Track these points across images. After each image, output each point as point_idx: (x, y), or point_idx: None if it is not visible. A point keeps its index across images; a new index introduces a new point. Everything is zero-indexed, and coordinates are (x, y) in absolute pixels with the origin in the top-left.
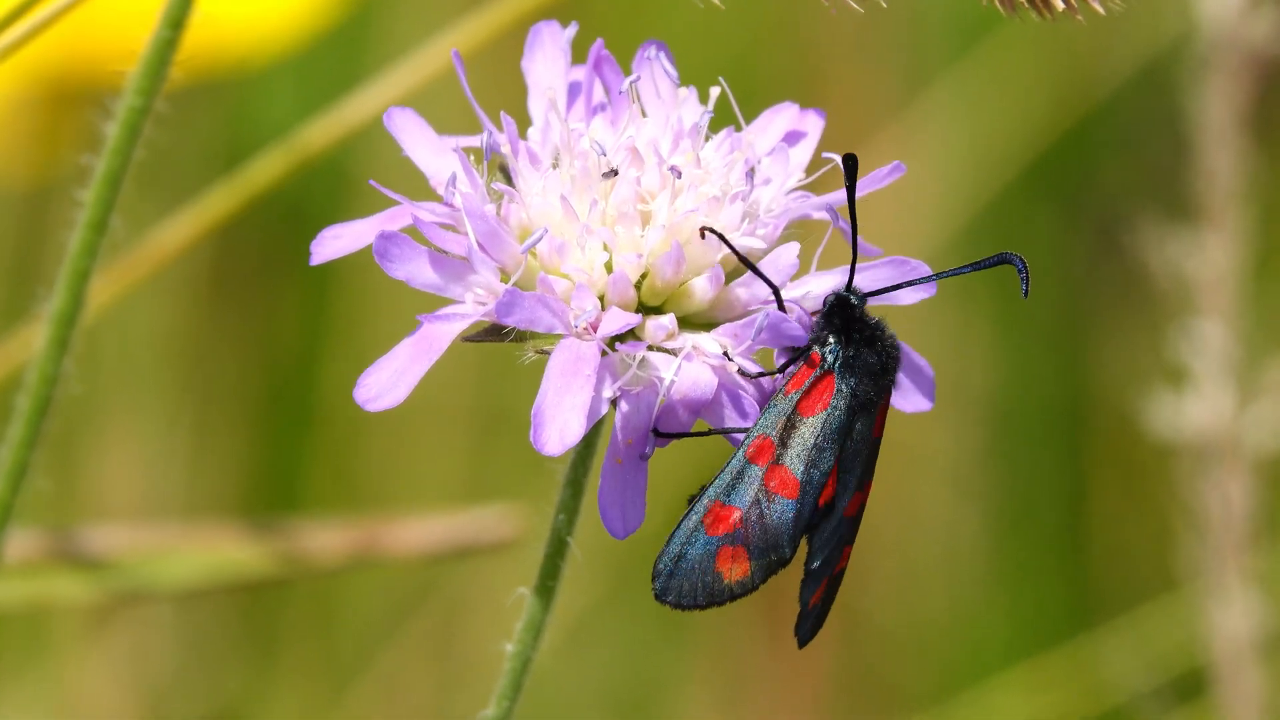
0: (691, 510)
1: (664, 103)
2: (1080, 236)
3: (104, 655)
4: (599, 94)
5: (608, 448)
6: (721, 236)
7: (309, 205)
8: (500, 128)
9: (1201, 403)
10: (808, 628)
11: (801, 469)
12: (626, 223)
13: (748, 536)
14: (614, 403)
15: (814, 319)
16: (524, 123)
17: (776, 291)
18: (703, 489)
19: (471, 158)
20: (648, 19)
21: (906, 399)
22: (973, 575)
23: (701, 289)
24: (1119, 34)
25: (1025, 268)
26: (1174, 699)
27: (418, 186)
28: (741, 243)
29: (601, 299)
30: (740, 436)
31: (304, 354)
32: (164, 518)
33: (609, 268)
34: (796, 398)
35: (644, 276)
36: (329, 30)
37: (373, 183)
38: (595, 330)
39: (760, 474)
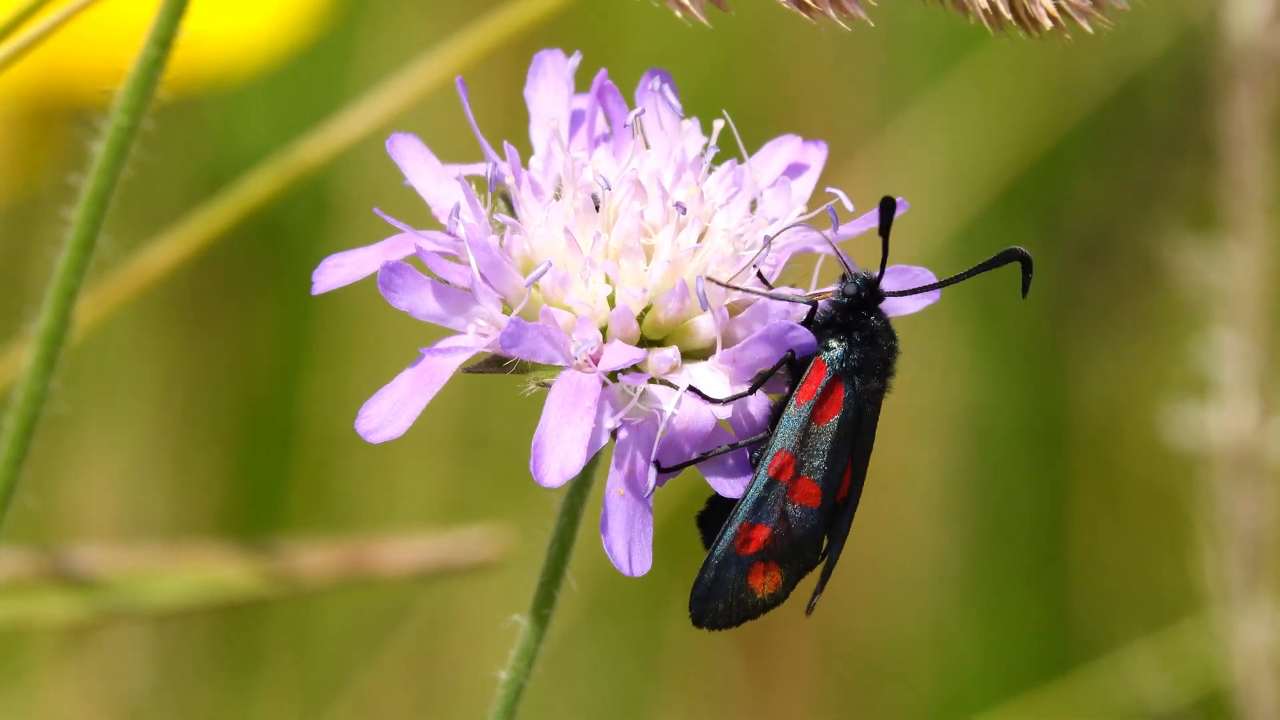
0: (722, 535)
1: (667, 134)
2: (1059, 255)
3: (81, 674)
4: (601, 124)
5: (609, 481)
6: (725, 284)
7: (287, 224)
8: (503, 156)
9: (1224, 414)
10: (817, 600)
11: (821, 477)
12: (630, 256)
13: (778, 551)
14: (614, 434)
15: (819, 313)
16: (525, 151)
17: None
18: (709, 503)
19: (474, 186)
20: (624, 40)
21: (915, 301)
22: (950, 594)
23: (706, 328)
24: (1096, 54)
25: (1030, 267)
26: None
27: (403, 209)
28: (745, 290)
29: (604, 331)
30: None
31: (283, 373)
32: (143, 536)
33: (611, 301)
34: (810, 408)
35: (646, 310)
36: (304, 49)
37: (377, 210)
38: (597, 363)
39: (784, 490)
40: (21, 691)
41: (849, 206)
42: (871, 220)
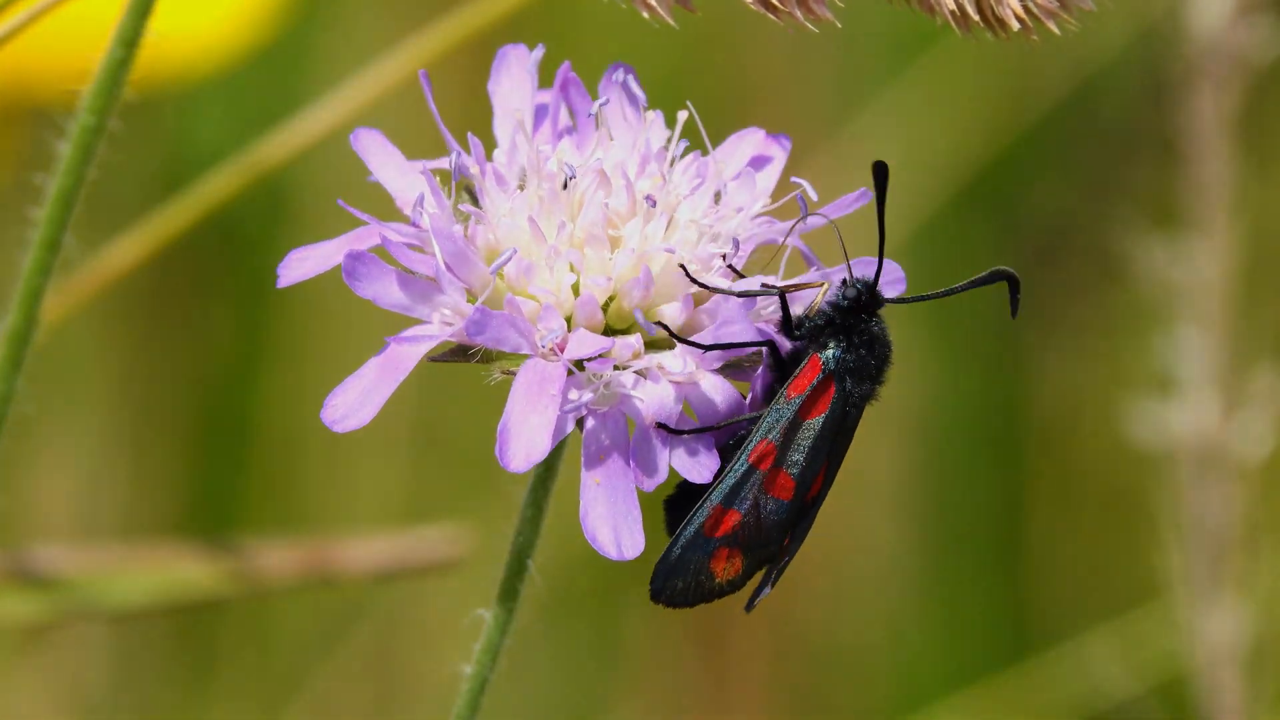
0: (694, 515)
1: (630, 126)
2: (1014, 250)
3: (39, 673)
4: (565, 117)
5: (583, 473)
6: (699, 282)
7: (244, 223)
8: (467, 148)
9: (1186, 411)
10: (757, 599)
11: (798, 472)
12: (595, 245)
13: (744, 538)
14: (580, 424)
15: (817, 312)
16: (489, 145)
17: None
18: (678, 488)
19: (438, 179)
20: (584, 38)
21: (885, 291)
22: (908, 591)
23: (671, 315)
24: (1056, 52)
25: (1018, 287)
26: (1130, 715)
27: (363, 207)
28: (711, 281)
29: (569, 320)
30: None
31: (241, 371)
32: (102, 536)
33: (576, 289)
34: (799, 403)
35: (611, 299)
36: (262, 48)
37: (341, 202)
38: (562, 351)
39: (761, 479)
40: None
41: (813, 197)
42: (837, 210)
